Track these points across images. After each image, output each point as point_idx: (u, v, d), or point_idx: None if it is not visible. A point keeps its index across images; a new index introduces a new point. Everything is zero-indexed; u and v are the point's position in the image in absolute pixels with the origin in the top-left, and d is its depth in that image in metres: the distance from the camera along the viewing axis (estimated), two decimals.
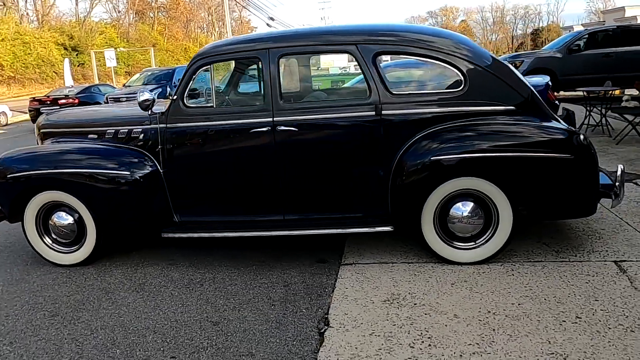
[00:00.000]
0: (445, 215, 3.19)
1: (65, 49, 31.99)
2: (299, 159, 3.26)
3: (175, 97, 3.36)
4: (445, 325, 2.56)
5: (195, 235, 3.39)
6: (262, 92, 3.25)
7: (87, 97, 13.83)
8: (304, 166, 3.26)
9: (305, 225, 3.30)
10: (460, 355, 2.30)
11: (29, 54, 28.74)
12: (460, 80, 3.14)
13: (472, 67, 3.13)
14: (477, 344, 2.39)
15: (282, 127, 3.20)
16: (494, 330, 2.49)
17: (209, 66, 3.33)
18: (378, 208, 3.26)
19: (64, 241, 3.62)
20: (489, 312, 2.66)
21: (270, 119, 3.21)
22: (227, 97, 3.72)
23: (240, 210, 3.44)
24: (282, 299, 2.96)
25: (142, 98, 3.32)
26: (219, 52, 3.35)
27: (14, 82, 27.57)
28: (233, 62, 3.54)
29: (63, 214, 3.56)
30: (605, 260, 3.19)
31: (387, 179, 3.16)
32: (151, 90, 10.84)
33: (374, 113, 3.12)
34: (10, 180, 3.48)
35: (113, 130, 3.56)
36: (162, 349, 2.52)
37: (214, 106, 3.37)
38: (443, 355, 2.31)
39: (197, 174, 3.41)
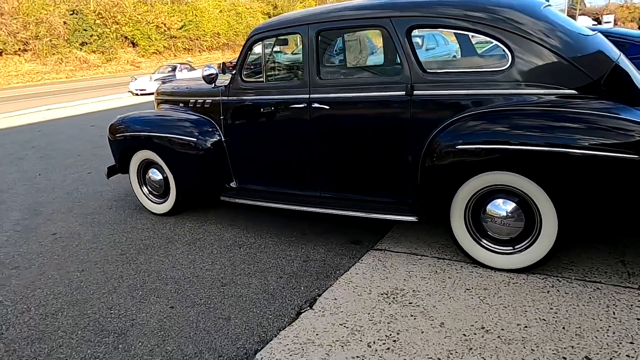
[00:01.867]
0: (481, 212, 2.82)
1: (270, 17, 35.29)
2: (331, 137, 3.21)
3: (234, 71, 3.60)
4: (422, 332, 2.35)
5: (242, 201, 3.65)
6: (302, 68, 3.25)
7: None
8: (336, 145, 3.21)
9: (337, 205, 3.27)
10: None
11: (240, 23, 32.50)
12: (506, 56, 2.66)
13: (521, 40, 2.62)
14: (439, 359, 2.15)
15: (316, 104, 3.18)
16: (470, 349, 2.20)
17: (260, 42, 3.46)
18: (408, 196, 3.05)
19: (156, 193, 4.26)
20: (482, 328, 2.34)
21: (307, 96, 3.22)
22: (277, 72, 3.80)
23: (283, 182, 3.56)
24: (293, 273, 3.05)
25: (206, 73, 3.64)
26: (267, 29, 3.44)
27: (227, 48, 31.62)
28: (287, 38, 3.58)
29: (156, 170, 4.18)
30: None
31: (416, 165, 2.92)
32: None
33: (404, 93, 2.88)
34: (119, 137, 4.21)
35: (194, 100, 3.99)
36: (170, 297, 2.87)
37: (264, 81, 3.51)
38: None
39: (250, 144, 3.63)
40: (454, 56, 3.64)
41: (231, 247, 3.51)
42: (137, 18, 30.36)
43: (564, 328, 2.29)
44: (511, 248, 2.79)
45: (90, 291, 3.02)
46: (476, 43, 3.75)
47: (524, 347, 2.18)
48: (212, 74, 3.64)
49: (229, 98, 3.66)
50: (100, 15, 28.68)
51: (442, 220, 2.92)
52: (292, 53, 3.55)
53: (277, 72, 3.73)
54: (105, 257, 3.51)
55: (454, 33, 3.60)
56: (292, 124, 3.34)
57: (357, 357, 2.21)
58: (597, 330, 2.26)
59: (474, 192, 2.79)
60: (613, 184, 2.40)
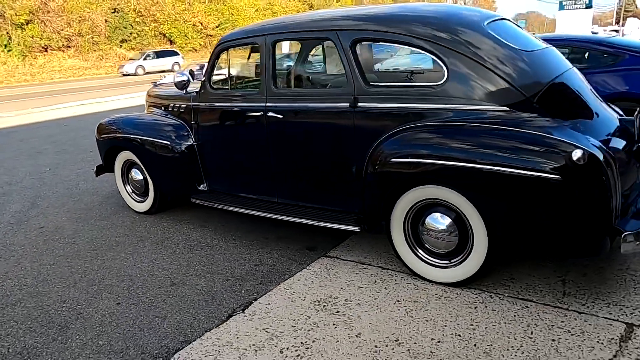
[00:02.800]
0: (419, 224, 2.85)
1: None
2: (285, 145, 3.29)
3: (204, 78, 3.73)
4: (337, 341, 2.41)
5: (208, 204, 3.78)
6: (260, 77, 3.35)
7: None
8: (289, 153, 3.29)
9: (292, 212, 3.35)
10: None
11: None
12: (443, 72, 2.67)
13: (456, 56, 2.62)
14: None
15: (271, 113, 3.27)
16: (365, 355, 2.25)
17: (226, 51, 3.57)
18: (355, 205, 3.10)
19: (137, 193, 4.46)
20: (396, 340, 2.38)
21: (264, 104, 3.31)
22: (240, 80, 3.90)
23: (246, 188, 3.67)
24: (241, 277, 3.15)
25: (177, 79, 3.79)
26: (231, 38, 3.55)
27: None
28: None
29: (137, 170, 4.37)
30: (615, 319, 2.42)
31: (360, 176, 2.97)
32: None
33: (348, 105, 2.93)
34: (103, 137, 4.43)
35: (172, 105, 4.15)
36: (120, 294, 3.03)
37: (229, 88, 3.63)
38: None
39: (217, 149, 3.76)
40: (397, 69, 3.64)
41: (194, 248, 3.65)
42: (175, 16, 31.22)
43: (475, 345, 2.31)
44: (447, 262, 2.81)
45: (53, 284, 3.22)
46: None
47: None
48: (183, 80, 3.79)
49: (199, 104, 3.79)
50: (139, 14, 29.68)
51: (383, 230, 2.96)
52: (256, 62, 3.64)
53: (240, 80, 3.83)
54: (78, 252, 3.72)
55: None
56: (252, 131, 3.44)
57: None
58: (507, 350, 2.26)
59: (412, 205, 2.82)
60: (535, 204, 2.38)
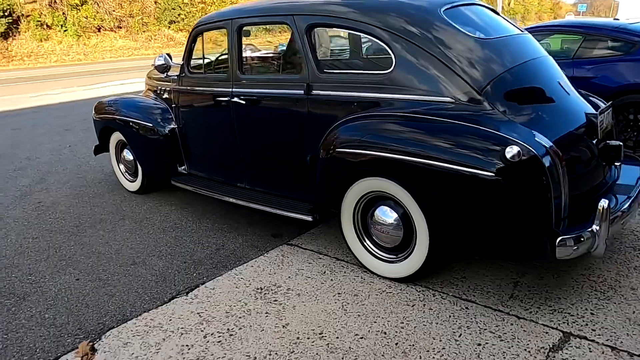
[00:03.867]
0: (368, 217, 2.79)
1: None
2: (248, 131, 3.28)
3: (183, 62, 3.76)
4: (262, 330, 2.41)
5: (185, 187, 3.85)
6: (228, 63, 3.34)
7: None
8: (252, 140, 3.28)
9: (257, 198, 3.35)
10: None
11: None
12: (390, 60, 2.56)
13: (406, 44, 2.50)
14: (255, 358, 2.21)
15: (235, 99, 3.26)
16: (291, 352, 2.23)
17: (201, 35, 3.58)
18: (311, 194, 3.06)
19: (129, 172, 4.59)
20: (320, 334, 2.36)
21: (230, 90, 3.31)
22: (213, 65, 3.89)
23: (218, 172, 3.70)
24: (198, 260, 3.20)
25: (158, 62, 3.85)
26: (204, 22, 3.54)
27: None
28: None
29: (128, 151, 4.50)
30: (554, 327, 2.28)
31: (314, 164, 2.92)
32: None
33: (302, 92, 2.88)
34: (98, 118, 4.58)
35: (159, 88, 4.22)
36: (83, 270, 3.15)
37: (204, 73, 3.64)
38: (221, 355, 2.24)
39: (194, 133, 3.81)
40: (348, 57, 3.51)
41: (167, 229, 3.73)
42: None
43: (396, 344, 2.24)
44: (394, 256, 2.73)
45: (28, 257, 3.40)
46: None
47: (341, 358, 2.17)
48: (163, 64, 3.83)
49: (179, 87, 3.84)
50: None
51: (335, 220, 2.92)
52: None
53: (214, 65, 3.83)
54: (62, 228, 3.89)
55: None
56: (221, 117, 3.45)
57: (186, 345, 2.33)
58: (427, 351, 2.19)
59: (361, 196, 2.75)
60: (471, 202, 2.26)
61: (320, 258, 3.10)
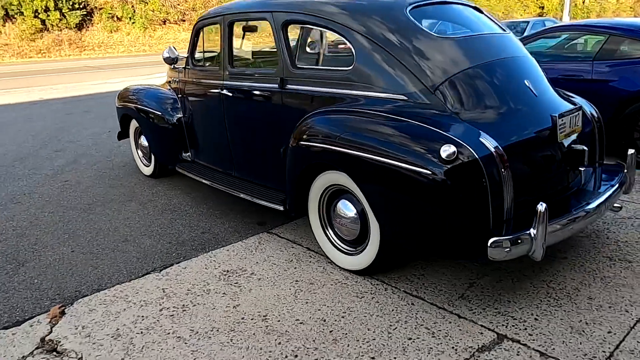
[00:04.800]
0: (331, 209, 2.87)
1: None
2: (234, 122, 3.44)
3: (187, 54, 3.98)
4: (213, 309, 2.56)
5: (186, 174, 4.07)
6: (220, 56, 3.51)
7: None
8: (237, 130, 3.43)
9: (240, 187, 3.51)
10: (158, 342, 2.37)
11: None
12: (352, 58, 2.62)
13: (366, 41, 2.55)
14: (197, 332, 2.37)
15: (225, 91, 3.43)
16: (232, 330, 2.37)
17: (202, 29, 3.77)
18: (284, 185, 3.17)
19: (145, 157, 4.90)
20: (264, 317, 2.48)
21: (221, 82, 3.48)
22: (210, 58, 4.05)
23: (214, 160, 3.90)
24: (182, 241, 3.41)
25: (165, 55, 4.09)
26: (204, 18, 3.73)
27: None
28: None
29: (144, 137, 4.80)
30: (491, 329, 2.28)
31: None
32: None
33: (277, 86, 2.99)
34: (119, 106, 4.91)
35: (171, 79, 4.48)
36: (80, 244, 3.44)
37: (203, 65, 3.84)
38: (169, 328, 2.42)
39: (195, 123, 4.02)
40: (323, 54, 3.53)
41: (165, 212, 3.98)
42: None
43: (330, 332, 2.33)
44: (353, 249, 2.80)
45: (39, 229, 3.75)
46: None
47: (275, 339, 2.29)
48: (170, 57, 4.07)
49: (184, 78, 4.07)
50: None
51: (303, 212, 3.02)
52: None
53: (212, 58, 4.00)
54: (77, 205, 4.24)
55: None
56: (214, 107, 3.64)
57: (142, 316, 2.53)
58: (357, 340, 2.26)
59: (325, 188, 2.84)
60: (412, 199, 2.30)
61: (292, 247, 3.21)
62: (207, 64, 3.91)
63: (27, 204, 4.32)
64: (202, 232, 3.54)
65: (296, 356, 2.17)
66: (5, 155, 6.12)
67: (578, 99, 2.96)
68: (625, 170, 2.84)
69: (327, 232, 2.89)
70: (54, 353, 2.27)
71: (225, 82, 3.44)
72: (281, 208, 3.09)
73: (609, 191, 2.57)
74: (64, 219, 3.93)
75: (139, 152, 4.99)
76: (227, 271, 2.95)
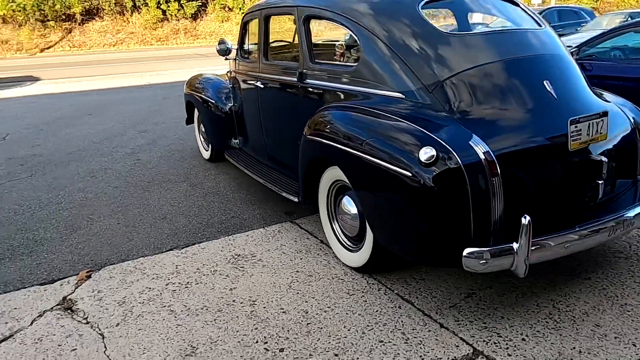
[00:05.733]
0: (337, 204, 2.89)
1: None
2: (266, 113, 3.56)
3: (237, 47, 4.18)
4: (212, 289, 2.72)
5: (230, 160, 4.30)
6: (258, 49, 3.63)
7: None
8: (268, 121, 3.55)
9: (266, 175, 3.64)
10: (152, 313, 2.57)
11: None
12: (360, 54, 2.59)
13: (372, 38, 2.50)
14: (189, 309, 2.54)
15: (258, 82, 3.56)
16: (219, 310, 2.51)
17: (248, 23, 3.93)
18: None
19: (205, 142, 5.23)
20: (253, 302, 2.59)
21: (257, 74, 3.62)
22: (252, 52, 4.13)
23: (253, 148, 4.07)
24: (211, 223, 3.62)
25: (218, 47, 4.31)
26: (249, 12, 3.86)
27: None
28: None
29: None
30: (469, 342, 2.17)
31: None
32: None
33: (296, 79, 3.05)
34: (185, 92, 5.28)
35: (228, 70, 4.72)
36: (126, 217, 3.80)
37: (248, 58, 4.00)
38: (167, 301, 2.62)
39: (240, 112, 4.22)
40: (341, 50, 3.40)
41: (208, 194, 4.24)
42: None
43: (308, 324, 2.37)
44: (355, 246, 2.80)
45: (100, 200, 4.20)
46: None
47: (254, 324, 2.38)
48: (222, 48, 4.29)
49: (234, 69, 4.27)
50: None
51: (314, 204, 3.07)
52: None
53: (252, 52, 4.12)
54: (138, 182, 4.67)
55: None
56: (252, 98, 3.80)
57: (149, 287, 2.76)
58: (329, 336, 2.28)
59: (331, 183, 2.86)
60: (396, 200, 2.25)
61: (308, 239, 3.28)
62: (249, 56, 4.07)
63: (99, 178, 4.84)
64: (232, 217, 3.73)
65: (265, 342, 2.25)
66: (99, 133, 6.87)
67: (623, 104, 2.64)
68: None
69: (334, 226, 2.91)
70: (68, 311, 2.58)
71: (260, 74, 3.57)
72: (296, 199, 3.16)
73: (633, 210, 2.28)
74: (123, 193, 4.36)
75: (201, 137, 5.33)
76: (238, 255, 3.10)
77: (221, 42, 4.32)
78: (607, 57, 4.86)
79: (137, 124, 7.40)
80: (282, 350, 2.20)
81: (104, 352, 2.24)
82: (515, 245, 1.99)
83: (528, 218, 1.95)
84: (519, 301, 2.47)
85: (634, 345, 2.12)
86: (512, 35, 2.56)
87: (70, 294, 2.74)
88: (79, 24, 25.23)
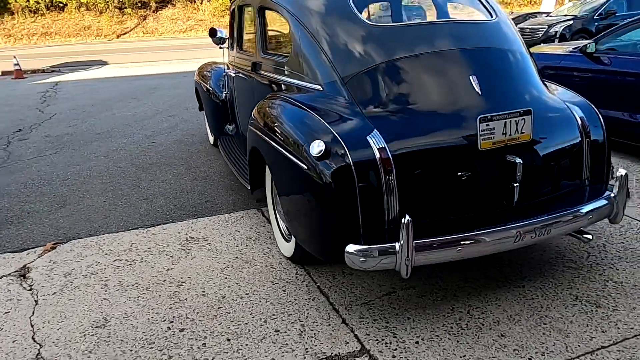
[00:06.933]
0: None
1: None
2: (238, 102, 3.65)
3: (228, 36, 4.27)
4: (151, 268, 2.86)
5: (219, 147, 4.43)
6: (231, 39, 3.70)
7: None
8: (240, 109, 3.63)
9: (235, 162, 3.73)
10: (88, 285, 2.74)
11: None
12: (291, 46, 2.58)
13: (301, 29, 2.49)
14: (122, 284, 2.70)
15: (232, 72, 3.64)
16: (147, 289, 2.64)
17: (233, 13, 4.00)
18: None
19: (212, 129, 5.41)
20: (182, 283, 2.70)
21: (232, 63, 3.70)
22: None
23: (236, 133, 4.16)
24: (186, 206, 3.77)
25: (213, 38, 4.42)
26: (231, 1, 3.92)
27: None
28: None
29: None
30: (359, 339, 2.15)
31: None
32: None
33: (250, 69, 3.10)
34: (194, 79, 5.47)
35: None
36: (115, 195, 4.05)
37: (238, 47, 4.08)
38: (108, 275, 2.80)
39: (231, 100, 4.32)
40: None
41: (198, 179, 4.40)
42: None
43: (218, 309, 2.45)
44: (290, 235, 2.82)
45: (99, 179, 4.49)
46: None
47: (171, 304, 2.49)
48: (217, 37, 4.39)
49: (228, 57, 4.38)
50: None
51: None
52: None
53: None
54: (142, 163, 4.93)
55: None
56: (231, 87, 3.88)
57: (97, 262, 2.95)
58: (231, 321, 2.34)
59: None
60: (296, 190, 2.25)
61: (263, 226, 3.34)
62: (232, 46, 4.14)
63: (110, 158, 5.17)
64: (207, 201, 3.86)
65: (171, 322, 2.36)
66: (132, 116, 7.29)
67: (578, 104, 2.45)
68: (612, 195, 2.29)
69: (276, 214, 2.95)
70: (21, 278, 2.83)
71: (233, 63, 3.64)
72: (248, 186, 3.22)
73: (551, 217, 2.12)
74: (123, 173, 4.64)
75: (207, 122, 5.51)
76: (192, 238, 3.22)
77: (213, 32, 4.43)
78: (630, 50, 4.44)
79: (169, 109, 7.76)
80: (182, 330, 2.29)
81: (30, 317, 2.44)
82: (397, 245, 1.93)
83: (408, 217, 1.88)
84: (436, 303, 2.39)
85: None
86: (443, 27, 2.43)
87: (30, 263, 3.00)
88: (153, 11, 26.61)
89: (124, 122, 6.95)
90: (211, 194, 3.99)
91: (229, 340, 2.21)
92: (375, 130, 2.09)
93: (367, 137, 2.06)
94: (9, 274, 2.87)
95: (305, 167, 2.11)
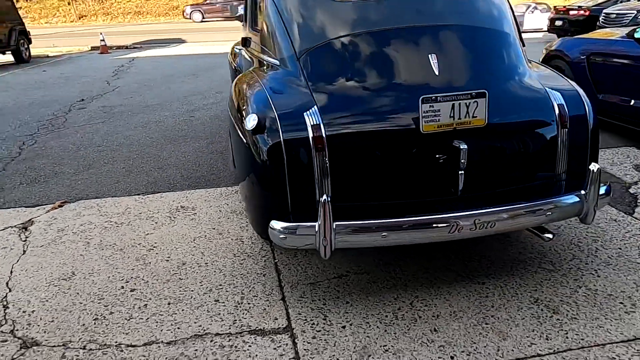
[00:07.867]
0: None
1: None
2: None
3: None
4: (134, 231, 3.02)
5: None
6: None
7: (597, 10, 12.20)
8: None
9: None
10: (72, 242, 2.94)
11: None
12: (261, 22, 2.56)
13: (272, 4, 2.45)
14: (103, 243, 2.88)
15: (236, 47, 3.68)
16: (122, 252, 2.80)
17: None
18: None
19: None
20: (154, 247, 2.82)
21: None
22: None
23: None
24: (190, 177, 3.91)
25: (238, 13, 4.49)
26: None
27: None
28: None
29: None
30: (289, 317, 2.14)
31: None
32: None
33: (242, 44, 3.12)
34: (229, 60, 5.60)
35: None
36: (130, 165, 4.30)
37: (245, 23, 4.12)
38: (95, 233, 3.00)
39: None
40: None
41: (214, 153, 4.54)
42: None
43: (174, 274, 2.54)
44: None
45: (124, 149, 4.77)
46: None
47: (135, 266, 2.62)
48: (240, 14, 4.46)
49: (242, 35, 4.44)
50: None
51: None
52: None
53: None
54: (169, 136, 5.16)
55: None
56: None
57: (90, 222, 3.16)
58: (180, 287, 2.42)
59: None
60: (239, 162, 2.28)
61: None
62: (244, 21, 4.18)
63: (147, 128, 5.47)
64: (212, 174, 3.98)
65: (127, 282, 2.48)
66: (185, 91, 7.64)
67: (558, 89, 2.22)
68: (583, 192, 2.06)
69: None
70: (23, 230, 3.11)
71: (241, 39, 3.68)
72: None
73: (497, 209, 1.95)
74: (152, 143, 4.89)
75: None
76: (182, 207, 3.35)
77: (234, 8, 4.50)
78: None
79: (220, 85, 8.01)
80: (132, 290, 2.41)
81: (14, 264, 2.68)
82: (316, 225, 1.89)
83: (325, 197, 1.83)
84: (382, 291, 2.31)
85: (451, 358, 1.87)
86: (410, 3, 2.28)
87: (36, 217, 3.28)
88: None
89: (174, 96, 7.29)
90: (219, 168, 4.10)
91: (169, 304, 2.29)
92: (315, 106, 2.04)
93: (305, 114, 2.01)
94: (15, 226, 3.16)
95: (244, 141, 2.11)
